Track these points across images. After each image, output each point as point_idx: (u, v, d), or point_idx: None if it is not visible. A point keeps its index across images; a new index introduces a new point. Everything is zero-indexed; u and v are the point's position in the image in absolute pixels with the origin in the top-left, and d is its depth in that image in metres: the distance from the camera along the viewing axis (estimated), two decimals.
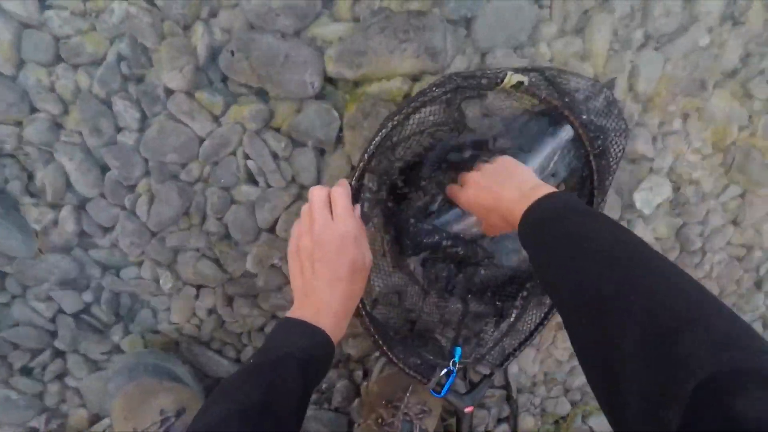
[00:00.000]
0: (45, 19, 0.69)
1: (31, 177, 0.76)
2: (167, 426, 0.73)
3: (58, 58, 0.71)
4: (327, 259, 0.56)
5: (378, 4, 0.73)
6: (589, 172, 0.80)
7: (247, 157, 0.78)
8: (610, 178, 0.83)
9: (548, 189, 0.57)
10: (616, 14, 0.80)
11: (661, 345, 0.32)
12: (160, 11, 0.70)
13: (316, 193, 0.60)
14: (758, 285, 1.07)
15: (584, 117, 0.76)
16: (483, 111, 0.79)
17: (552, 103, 0.72)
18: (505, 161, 0.68)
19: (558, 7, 0.79)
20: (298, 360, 0.50)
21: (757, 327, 1.11)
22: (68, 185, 0.76)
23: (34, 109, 0.72)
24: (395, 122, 0.66)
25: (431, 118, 0.74)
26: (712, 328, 0.31)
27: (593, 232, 0.46)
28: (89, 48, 0.70)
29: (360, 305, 0.72)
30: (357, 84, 0.77)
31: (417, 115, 0.72)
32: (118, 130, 0.75)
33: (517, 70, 0.69)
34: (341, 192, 0.60)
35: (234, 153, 0.78)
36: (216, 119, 0.76)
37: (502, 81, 0.66)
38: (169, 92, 0.73)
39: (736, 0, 0.82)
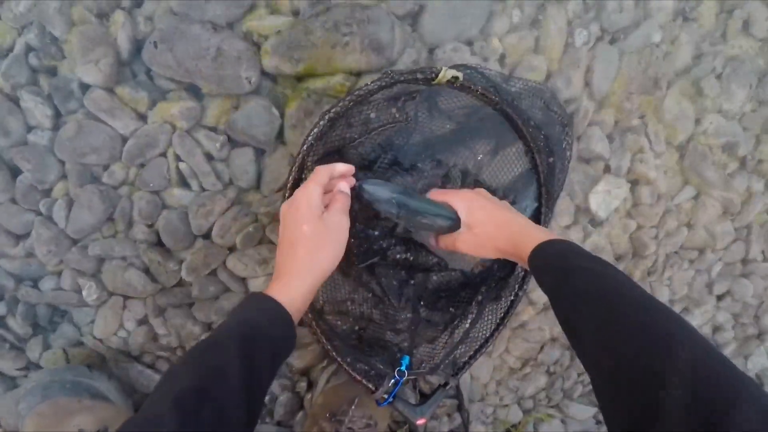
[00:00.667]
0: None
1: None
2: None
3: None
4: (312, 249, 0.54)
5: None
6: (534, 170, 0.78)
7: (178, 158, 0.72)
8: (562, 177, 0.81)
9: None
10: (570, 6, 0.78)
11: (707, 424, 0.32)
12: None
13: (323, 177, 0.58)
14: (709, 288, 1.07)
15: (524, 110, 0.74)
16: (433, 110, 0.75)
17: (489, 98, 0.70)
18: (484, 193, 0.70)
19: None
20: (243, 337, 0.45)
21: (706, 331, 1.11)
22: None
23: None
24: (333, 114, 0.62)
25: (372, 114, 0.71)
26: (758, 405, 0.32)
27: (623, 290, 0.47)
28: None
29: (308, 313, 0.68)
30: (298, 79, 0.72)
31: (361, 114, 0.69)
32: (29, 129, 0.67)
33: (454, 67, 0.67)
34: (346, 192, 0.60)
35: (164, 154, 0.72)
36: (141, 117, 0.69)
37: (436, 76, 0.64)
38: (85, 87, 0.66)
39: None
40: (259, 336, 0.47)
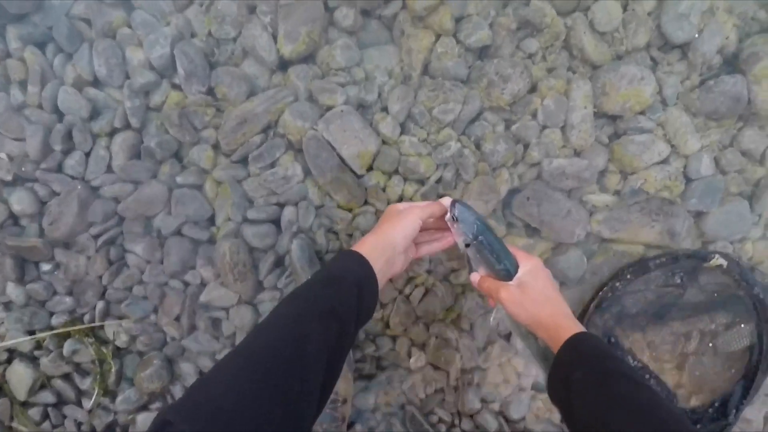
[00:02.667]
0: (399, 141, 0.89)
1: None
2: None
3: (396, 171, 0.91)
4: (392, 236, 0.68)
5: (639, 185, 0.93)
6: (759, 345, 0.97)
7: None
8: None
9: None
10: None
11: None
12: (482, 154, 0.90)
13: (439, 206, 0.73)
14: None
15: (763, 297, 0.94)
16: (693, 282, 0.97)
17: (742, 283, 0.93)
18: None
19: (766, 216, 0.99)
20: (356, 280, 0.60)
21: None
22: None
23: (366, 202, 0.91)
24: (627, 278, 0.90)
25: (658, 281, 0.94)
26: None
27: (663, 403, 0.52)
28: (422, 168, 0.90)
29: None
30: (605, 241, 0.96)
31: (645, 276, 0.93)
32: None
33: (722, 256, 0.91)
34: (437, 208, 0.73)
35: None
36: None
37: (709, 260, 0.90)
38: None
39: None
40: (363, 283, 0.61)
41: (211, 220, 0.93)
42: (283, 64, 0.89)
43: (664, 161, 0.93)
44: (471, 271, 0.78)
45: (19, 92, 0.89)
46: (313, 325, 0.53)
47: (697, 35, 0.88)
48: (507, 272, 0.74)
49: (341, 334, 0.55)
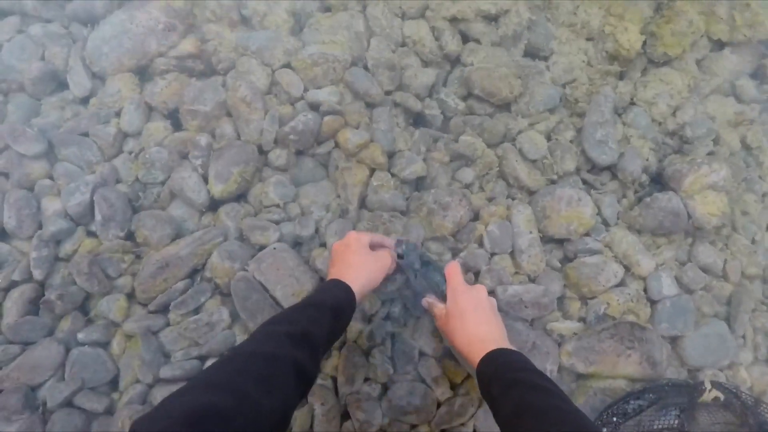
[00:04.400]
0: None
1: None
2: None
3: None
4: (362, 263, 0.72)
5: (602, 310, 0.85)
6: None
7: None
8: None
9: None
10: None
11: None
12: None
13: (371, 236, 0.77)
14: None
15: None
16: (692, 423, 0.83)
17: (745, 419, 0.79)
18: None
19: (750, 337, 0.91)
20: (331, 305, 0.64)
21: None
22: None
23: None
24: (614, 423, 0.77)
25: (651, 422, 0.80)
26: None
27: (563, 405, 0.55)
28: (366, 305, 0.81)
29: None
30: (580, 376, 0.84)
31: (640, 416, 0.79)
32: (365, 380, 0.79)
33: (715, 386, 0.80)
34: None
35: None
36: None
37: (702, 393, 0.78)
38: (421, 354, 0.80)
39: None
40: (340, 306, 0.65)
41: (114, 384, 0.77)
42: (214, 205, 0.85)
43: (622, 283, 0.88)
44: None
45: None
46: (285, 346, 0.56)
47: (618, 158, 0.91)
48: (433, 290, 0.78)
49: (311, 354, 0.58)
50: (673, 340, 0.88)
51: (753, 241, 0.95)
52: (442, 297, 0.76)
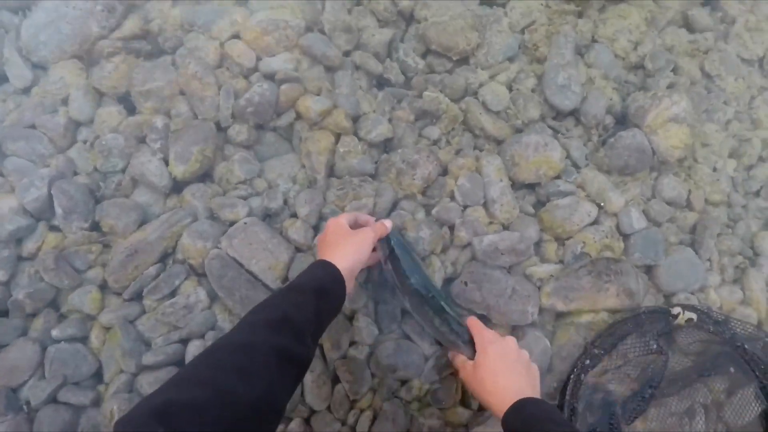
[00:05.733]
0: (314, 245, 0.81)
1: None
2: None
3: None
4: (346, 245, 0.70)
5: (579, 249, 0.87)
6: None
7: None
8: None
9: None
10: (765, 270, 0.95)
11: None
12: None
13: (351, 216, 0.77)
14: None
15: (749, 349, 0.83)
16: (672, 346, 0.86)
17: (720, 336, 0.83)
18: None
19: (716, 261, 0.94)
20: (313, 286, 0.62)
21: None
22: None
23: None
24: (596, 354, 0.79)
25: (633, 351, 0.82)
26: None
27: None
28: None
29: None
30: (561, 315, 0.86)
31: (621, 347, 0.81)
32: (351, 343, 0.80)
33: (687, 309, 0.84)
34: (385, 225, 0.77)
35: None
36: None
37: (677, 316, 0.82)
38: (404, 312, 0.81)
39: None
40: (324, 287, 0.63)
41: (98, 377, 0.76)
42: (178, 187, 0.83)
43: (596, 222, 0.90)
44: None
45: None
46: (262, 333, 0.55)
47: (581, 102, 0.91)
48: (458, 342, 0.74)
49: (296, 337, 0.57)
50: (648, 270, 0.90)
51: (714, 170, 0.98)
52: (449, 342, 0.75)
